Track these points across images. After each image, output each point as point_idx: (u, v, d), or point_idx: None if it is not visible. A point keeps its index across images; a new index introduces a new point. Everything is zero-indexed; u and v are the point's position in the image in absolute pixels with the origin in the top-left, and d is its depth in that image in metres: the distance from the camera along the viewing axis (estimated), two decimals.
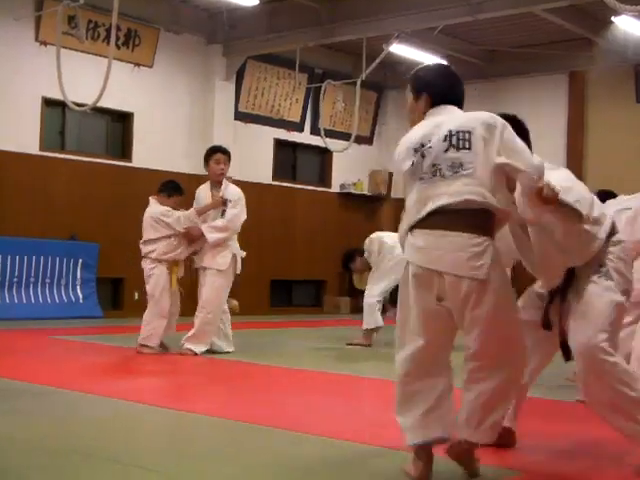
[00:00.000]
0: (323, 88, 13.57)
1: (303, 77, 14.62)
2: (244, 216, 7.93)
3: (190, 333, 7.77)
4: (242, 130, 14.06)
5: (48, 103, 11.65)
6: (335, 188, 15.94)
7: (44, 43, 11.38)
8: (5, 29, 11.24)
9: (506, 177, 3.41)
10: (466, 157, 3.38)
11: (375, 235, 9.48)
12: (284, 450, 4.01)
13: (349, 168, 15.93)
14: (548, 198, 3.30)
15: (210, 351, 7.81)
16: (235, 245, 7.93)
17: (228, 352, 7.85)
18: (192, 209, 7.96)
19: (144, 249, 8.09)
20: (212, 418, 4.71)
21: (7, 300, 11.02)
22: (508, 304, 3.45)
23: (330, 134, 14.38)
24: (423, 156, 3.45)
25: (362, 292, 15.97)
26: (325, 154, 15.46)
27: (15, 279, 11.16)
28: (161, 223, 8.00)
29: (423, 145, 3.45)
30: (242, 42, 13.37)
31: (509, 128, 3.46)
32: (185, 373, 6.89)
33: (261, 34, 13.04)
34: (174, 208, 8.04)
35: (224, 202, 7.84)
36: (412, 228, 3.48)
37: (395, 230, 14.59)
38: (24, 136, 11.47)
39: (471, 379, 3.43)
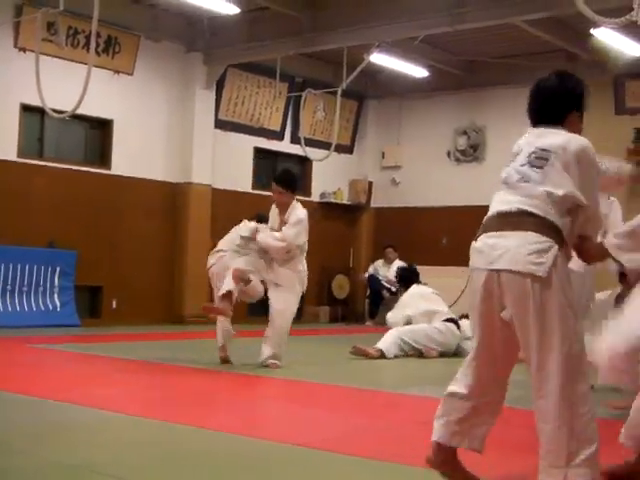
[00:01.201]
0: (303, 97, 13.58)
1: (283, 86, 14.63)
2: (304, 237, 7.81)
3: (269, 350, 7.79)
4: (222, 138, 14.04)
5: (27, 109, 11.57)
6: (315, 197, 15.94)
7: (23, 49, 11.31)
8: None
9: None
10: (535, 175, 3.28)
11: None
12: (262, 461, 3.99)
13: (329, 177, 15.95)
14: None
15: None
16: (301, 264, 7.85)
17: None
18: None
19: None
20: (199, 430, 4.67)
21: None
22: (570, 317, 3.17)
23: (310, 143, 14.39)
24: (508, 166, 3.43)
25: (341, 301, 16.05)
26: (305, 163, 15.46)
27: None
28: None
29: (516, 154, 3.44)
30: (222, 50, 13.36)
31: (588, 159, 3.31)
32: (168, 384, 6.84)
33: (242, 42, 13.03)
34: None
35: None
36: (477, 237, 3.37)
37: (372, 239, 14.50)
38: (2, 142, 11.38)
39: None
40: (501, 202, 3.31)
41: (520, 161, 3.35)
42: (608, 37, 11.72)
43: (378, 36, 12.07)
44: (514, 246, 3.16)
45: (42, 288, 11.57)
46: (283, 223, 7.84)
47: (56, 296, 11.71)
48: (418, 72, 14.46)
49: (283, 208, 7.95)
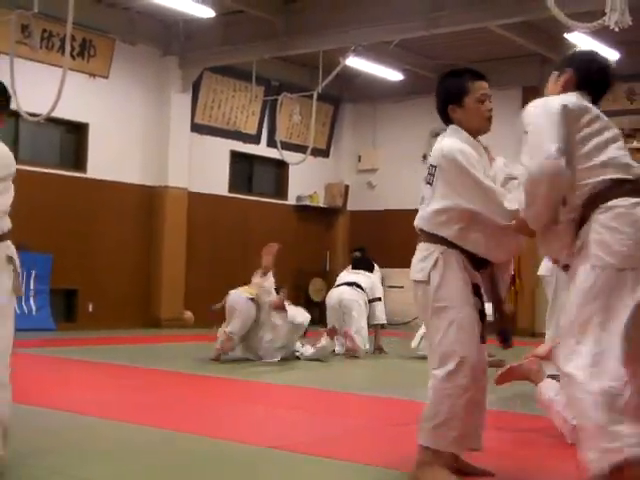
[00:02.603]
0: (280, 100, 13.59)
1: (260, 89, 14.63)
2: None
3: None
4: (198, 142, 14.02)
5: None
6: (291, 200, 15.95)
7: None
8: None
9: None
10: (427, 192, 3.65)
11: None
12: (240, 464, 4.00)
13: (305, 180, 15.97)
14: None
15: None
16: None
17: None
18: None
19: None
20: (180, 434, 4.68)
21: None
22: (444, 305, 3.54)
23: (287, 146, 14.39)
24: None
25: (318, 304, 16.07)
26: (281, 166, 15.47)
27: None
28: None
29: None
30: (198, 54, 13.34)
31: (452, 165, 3.54)
32: (147, 388, 6.83)
33: (217, 46, 13.03)
34: None
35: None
36: None
37: (348, 242, 14.53)
38: None
39: None
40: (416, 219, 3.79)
41: (424, 179, 3.69)
42: (581, 41, 11.82)
43: (354, 40, 12.11)
44: (413, 259, 3.74)
45: None
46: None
47: (31, 300, 11.65)
48: (393, 76, 14.52)
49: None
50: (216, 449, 4.27)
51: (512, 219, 3.42)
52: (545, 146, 3.12)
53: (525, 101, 14.39)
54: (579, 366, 3.02)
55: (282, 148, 13.58)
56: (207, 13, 11.66)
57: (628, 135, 13.32)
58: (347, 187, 16.70)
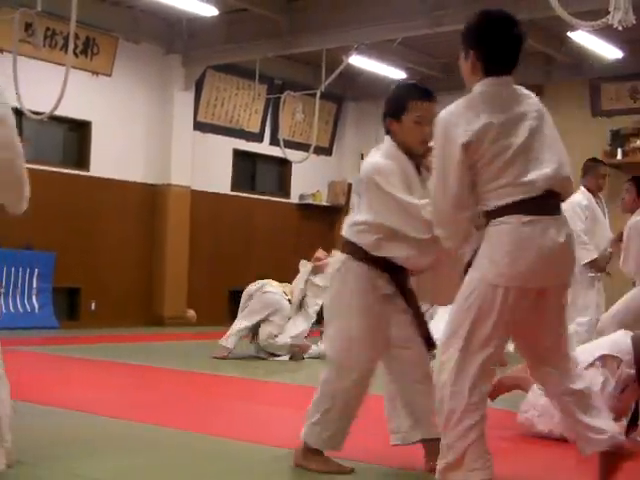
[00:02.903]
0: (282, 99, 13.59)
1: (262, 88, 14.62)
2: None
3: None
4: (201, 140, 14.02)
5: None
6: (294, 198, 15.95)
7: (0, 50, 11.25)
8: None
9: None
10: (355, 202, 3.78)
11: None
12: (251, 464, 4.00)
13: (308, 179, 15.96)
14: None
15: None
16: None
17: None
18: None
19: None
20: (185, 432, 4.68)
21: None
22: (336, 311, 3.73)
23: (289, 145, 14.40)
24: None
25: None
26: (284, 165, 15.47)
27: None
28: None
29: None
30: (201, 52, 13.33)
31: (381, 189, 3.59)
32: (151, 387, 6.83)
33: (220, 44, 13.01)
34: None
35: None
36: None
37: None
38: None
39: None
40: None
41: (354, 189, 3.87)
42: (584, 40, 11.82)
43: (357, 38, 12.10)
44: None
45: (20, 290, 11.51)
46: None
47: (34, 298, 11.66)
48: (396, 74, 14.51)
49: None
50: (219, 447, 4.28)
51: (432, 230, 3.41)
52: (448, 201, 3.20)
53: None
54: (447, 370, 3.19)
55: (285, 146, 13.58)
56: (210, 11, 11.66)
57: (631, 134, 13.30)
58: (350, 185, 16.68)
